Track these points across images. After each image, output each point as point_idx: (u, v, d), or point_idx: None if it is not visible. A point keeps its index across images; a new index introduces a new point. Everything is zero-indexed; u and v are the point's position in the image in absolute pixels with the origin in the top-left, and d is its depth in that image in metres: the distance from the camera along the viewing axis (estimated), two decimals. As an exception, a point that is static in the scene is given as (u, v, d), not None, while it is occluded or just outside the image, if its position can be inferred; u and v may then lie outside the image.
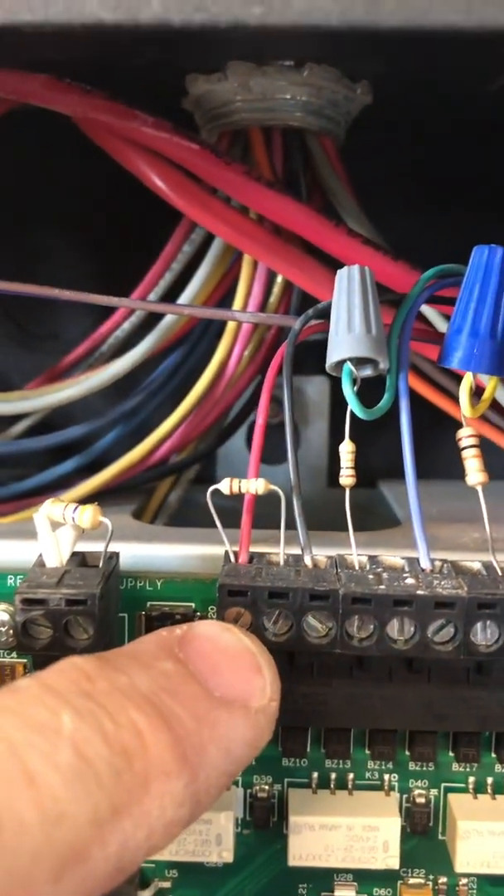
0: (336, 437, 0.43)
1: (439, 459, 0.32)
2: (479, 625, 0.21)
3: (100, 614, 0.21)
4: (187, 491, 0.36)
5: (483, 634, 0.21)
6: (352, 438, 0.24)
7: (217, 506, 0.23)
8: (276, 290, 0.31)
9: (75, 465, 0.32)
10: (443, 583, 0.22)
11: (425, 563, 0.23)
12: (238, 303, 0.31)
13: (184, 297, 0.31)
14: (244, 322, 0.30)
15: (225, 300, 0.32)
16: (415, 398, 0.31)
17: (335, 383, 0.34)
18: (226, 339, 0.31)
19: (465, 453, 0.24)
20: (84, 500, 0.32)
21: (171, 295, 0.33)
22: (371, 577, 0.22)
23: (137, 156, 0.29)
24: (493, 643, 0.21)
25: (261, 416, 0.24)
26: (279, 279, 0.31)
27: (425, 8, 0.14)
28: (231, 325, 0.31)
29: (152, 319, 0.32)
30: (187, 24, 0.15)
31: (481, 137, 0.34)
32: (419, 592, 0.21)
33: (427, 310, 0.29)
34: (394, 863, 0.23)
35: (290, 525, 0.24)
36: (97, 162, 0.30)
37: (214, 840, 0.23)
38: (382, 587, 0.21)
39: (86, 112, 0.28)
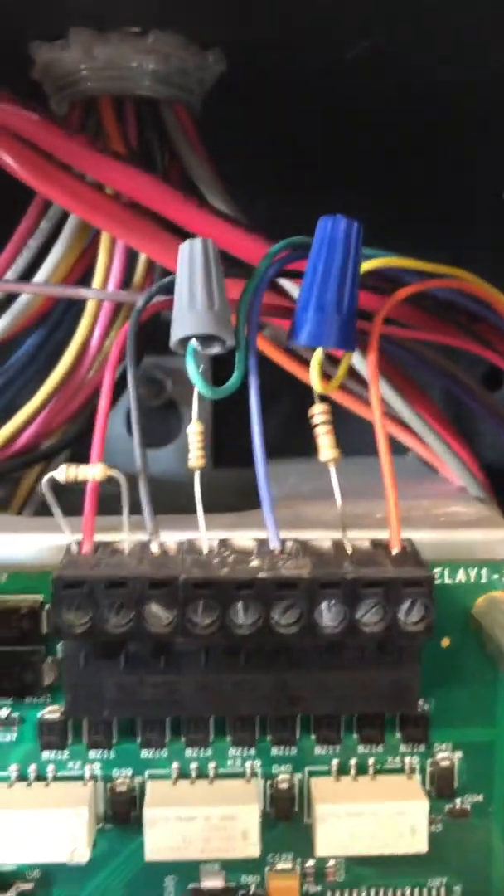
0: (219, 416, 0.42)
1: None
2: (323, 605, 0.21)
3: None
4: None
5: (329, 615, 0.21)
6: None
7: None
8: (140, 267, 0.30)
9: None
10: (287, 563, 0.21)
11: (274, 544, 0.23)
12: (97, 280, 0.30)
13: (39, 275, 0.29)
14: (90, 298, 0.29)
15: (87, 277, 0.31)
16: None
17: (216, 360, 0.33)
18: (86, 318, 0.30)
19: (317, 430, 0.24)
20: None
21: (31, 272, 0.31)
22: (216, 561, 0.22)
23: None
24: (339, 623, 0.21)
25: (103, 399, 0.23)
26: (143, 257, 0.30)
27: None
28: (91, 304, 0.30)
29: (11, 299, 0.31)
30: None
31: (340, 110, 0.33)
32: (261, 575, 0.21)
33: (287, 284, 0.29)
34: (254, 851, 0.23)
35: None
36: None
37: (70, 839, 0.23)
38: (225, 570, 0.21)
39: None
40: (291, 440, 0.32)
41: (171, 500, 0.25)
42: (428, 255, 0.26)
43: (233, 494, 0.32)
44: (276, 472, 0.35)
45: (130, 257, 0.30)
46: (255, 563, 0.21)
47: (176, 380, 0.39)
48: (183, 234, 0.27)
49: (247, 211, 0.30)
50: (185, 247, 0.23)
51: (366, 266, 0.26)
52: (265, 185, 0.35)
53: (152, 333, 0.26)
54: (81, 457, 0.38)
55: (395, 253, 0.26)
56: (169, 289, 0.24)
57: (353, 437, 0.27)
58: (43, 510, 0.34)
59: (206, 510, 0.25)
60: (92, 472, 0.22)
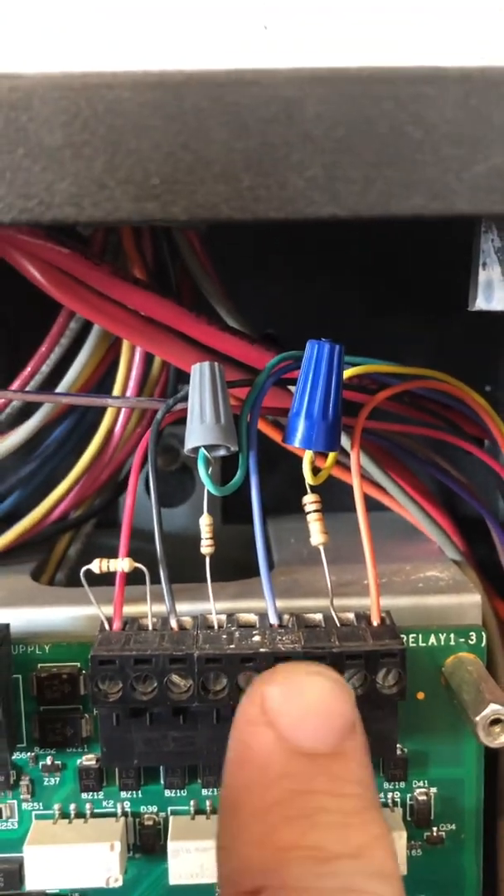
0: (228, 476, 0.47)
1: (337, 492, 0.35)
2: (314, 674, 0.25)
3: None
4: (91, 538, 0.40)
5: (318, 682, 0.25)
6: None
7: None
8: (156, 366, 0.35)
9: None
10: (284, 638, 0.26)
11: (273, 619, 0.27)
12: (119, 377, 0.34)
13: (67, 377, 0.34)
14: (115, 406, 0.33)
15: (109, 373, 0.35)
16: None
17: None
18: (111, 409, 0.35)
19: (308, 517, 0.28)
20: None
21: (64, 366, 0.36)
22: (224, 636, 0.26)
23: (18, 255, 0.32)
24: (328, 688, 0.25)
25: (129, 498, 0.28)
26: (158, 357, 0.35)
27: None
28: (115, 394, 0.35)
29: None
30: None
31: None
32: (262, 650, 0.25)
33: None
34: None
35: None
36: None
37: (105, 868, 0.27)
38: (232, 646, 0.25)
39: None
40: (293, 497, 0.36)
41: (187, 554, 0.30)
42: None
43: (240, 549, 0.36)
44: (280, 531, 0.40)
45: (149, 356, 0.34)
46: (256, 637, 0.26)
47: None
48: (195, 343, 0.32)
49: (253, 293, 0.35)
50: (195, 369, 0.27)
51: (349, 372, 0.30)
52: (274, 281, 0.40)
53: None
54: (105, 521, 0.42)
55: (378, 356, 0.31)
56: (183, 399, 0.28)
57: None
58: (72, 574, 0.38)
59: (216, 565, 0.29)
60: (121, 564, 0.26)
